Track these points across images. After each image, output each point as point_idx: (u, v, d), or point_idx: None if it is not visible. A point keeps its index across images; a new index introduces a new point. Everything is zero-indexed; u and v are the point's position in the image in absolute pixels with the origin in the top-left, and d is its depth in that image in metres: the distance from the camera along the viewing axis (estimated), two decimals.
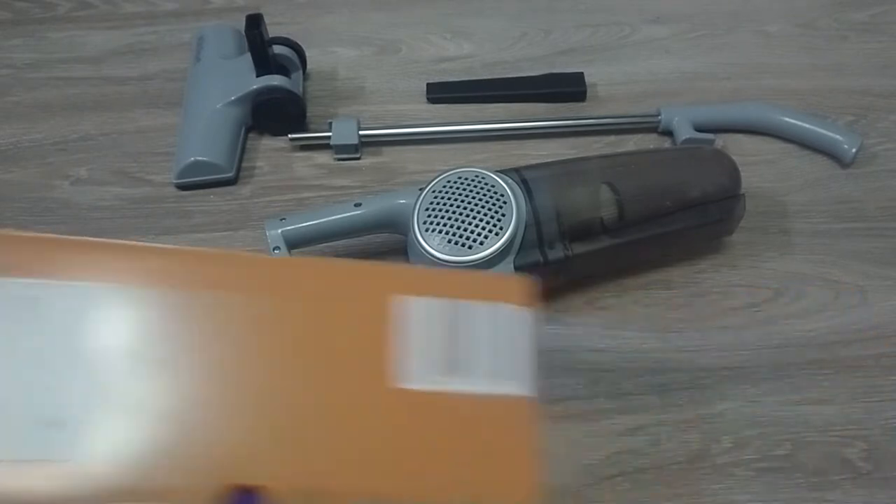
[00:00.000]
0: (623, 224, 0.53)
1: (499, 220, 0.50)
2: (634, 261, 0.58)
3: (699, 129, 0.64)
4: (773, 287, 0.57)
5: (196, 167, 0.62)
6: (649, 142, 0.67)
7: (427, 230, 0.50)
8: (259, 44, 0.63)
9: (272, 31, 0.65)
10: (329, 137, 0.65)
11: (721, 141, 0.66)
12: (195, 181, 0.63)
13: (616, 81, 0.72)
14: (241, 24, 0.63)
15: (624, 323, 0.55)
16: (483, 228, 0.50)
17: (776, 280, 0.57)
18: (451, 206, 0.51)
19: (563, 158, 0.58)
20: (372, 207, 0.54)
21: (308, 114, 0.68)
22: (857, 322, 0.55)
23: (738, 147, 0.66)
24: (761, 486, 0.47)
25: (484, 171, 0.52)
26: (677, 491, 0.47)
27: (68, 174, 0.65)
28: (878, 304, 0.56)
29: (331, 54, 0.75)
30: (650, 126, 0.67)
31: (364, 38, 0.77)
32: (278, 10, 0.77)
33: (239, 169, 0.65)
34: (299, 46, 0.70)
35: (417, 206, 0.51)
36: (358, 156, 0.66)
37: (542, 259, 0.51)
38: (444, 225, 0.50)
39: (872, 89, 0.70)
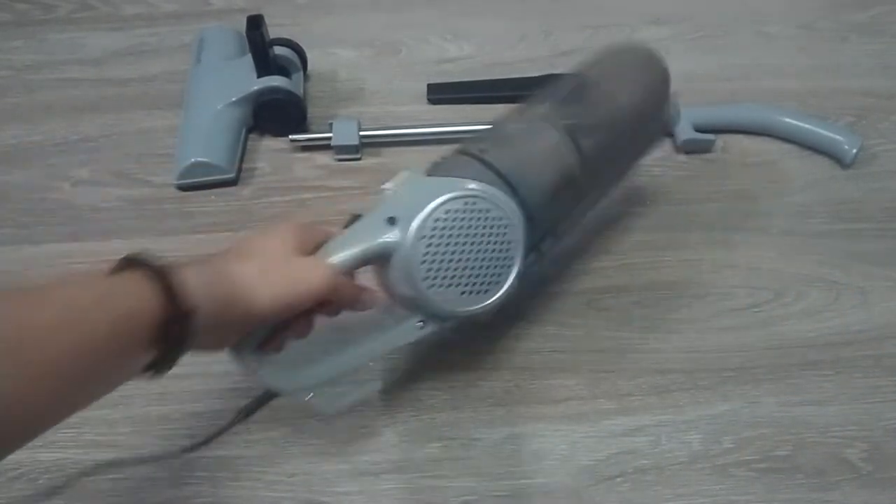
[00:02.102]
0: (587, 170, 0.48)
1: (507, 250, 0.43)
2: (596, 197, 0.52)
3: (699, 130, 0.64)
4: (774, 288, 0.57)
5: (197, 168, 0.62)
6: None
7: (435, 286, 0.42)
8: (260, 45, 0.63)
9: (273, 32, 0.65)
10: (330, 138, 0.65)
11: (721, 141, 0.66)
12: (196, 182, 0.63)
13: None
14: (242, 26, 0.63)
15: (624, 324, 0.55)
16: (497, 267, 0.43)
17: (777, 281, 0.57)
18: (454, 252, 0.42)
19: (509, 121, 0.49)
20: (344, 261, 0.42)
21: (308, 115, 0.68)
22: (857, 323, 0.55)
23: (738, 148, 0.66)
24: (761, 486, 0.47)
25: (469, 195, 0.42)
26: (677, 491, 0.47)
27: (69, 175, 0.65)
28: (879, 305, 0.56)
29: (331, 55, 0.75)
30: None
31: (364, 39, 0.77)
32: (279, 12, 0.77)
33: (240, 170, 0.65)
34: (300, 48, 0.70)
35: (409, 258, 0.41)
36: (358, 156, 0.66)
37: (537, 255, 0.48)
38: (454, 277, 0.42)
39: (872, 90, 0.70)
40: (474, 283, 0.43)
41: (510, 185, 0.44)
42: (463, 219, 0.41)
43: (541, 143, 0.47)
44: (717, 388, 0.51)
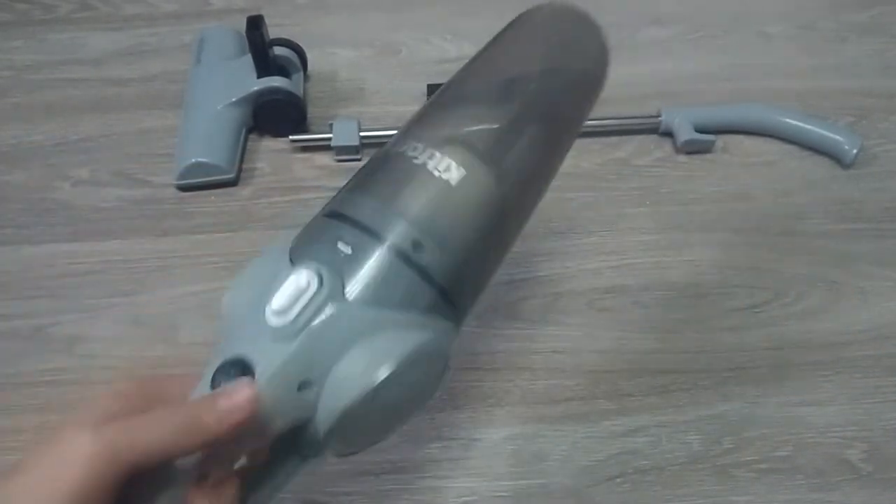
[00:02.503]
0: (515, 213, 0.36)
1: (439, 381, 0.33)
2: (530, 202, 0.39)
3: (700, 130, 0.64)
4: (774, 288, 0.57)
5: (197, 168, 0.62)
6: (649, 142, 0.67)
7: (352, 445, 0.33)
8: (260, 45, 0.63)
9: (273, 32, 0.65)
10: (330, 139, 0.65)
11: (721, 141, 0.66)
12: (196, 182, 0.63)
13: (617, 83, 0.71)
14: (242, 26, 0.63)
15: (624, 324, 0.55)
16: (422, 398, 0.33)
17: (777, 281, 0.57)
18: (385, 412, 0.31)
19: (412, 160, 0.34)
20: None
21: (308, 115, 0.68)
22: (857, 323, 0.55)
23: (738, 148, 0.66)
24: (762, 487, 0.47)
25: (418, 354, 0.30)
26: (677, 492, 0.47)
27: (69, 175, 0.65)
28: (879, 305, 0.56)
29: (331, 56, 0.75)
30: (651, 127, 0.67)
31: (364, 39, 0.77)
32: (279, 12, 0.77)
33: (239, 170, 0.65)
34: (300, 48, 0.70)
35: (328, 431, 0.30)
36: (359, 157, 0.66)
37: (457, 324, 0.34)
38: (377, 430, 0.33)
39: (873, 90, 0.70)
40: (398, 424, 0.33)
41: (452, 303, 0.33)
42: (404, 381, 0.30)
43: (473, 209, 0.33)
44: (717, 388, 0.51)
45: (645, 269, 0.58)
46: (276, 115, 0.66)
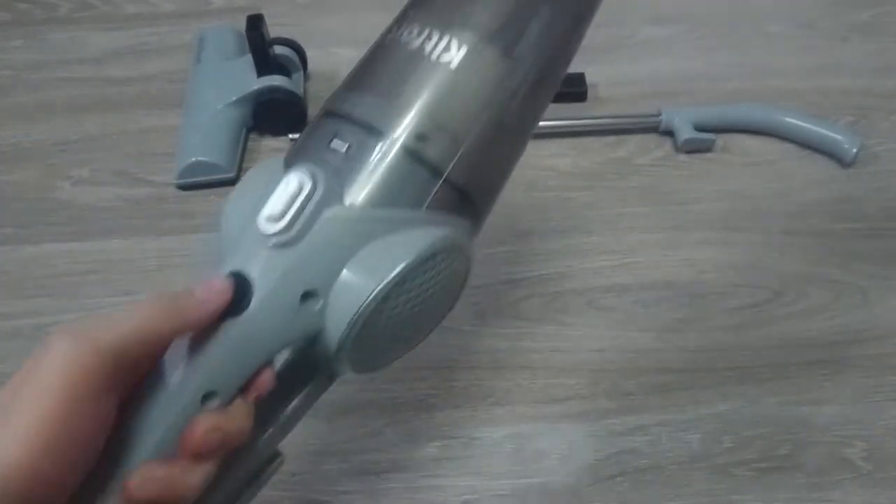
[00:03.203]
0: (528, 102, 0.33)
1: (456, 291, 0.32)
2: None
3: (700, 130, 0.65)
4: (774, 287, 0.57)
5: (197, 167, 0.62)
6: (650, 142, 0.67)
7: (362, 360, 0.31)
8: (260, 44, 0.63)
9: (273, 31, 0.66)
10: None
11: (721, 141, 0.66)
12: (196, 181, 0.63)
13: (617, 82, 0.72)
14: (242, 25, 0.63)
15: (624, 323, 0.55)
16: (440, 311, 0.33)
17: (777, 280, 0.57)
18: (399, 325, 0.30)
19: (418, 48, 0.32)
20: None
21: (309, 114, 0.68)
22: (857, 322, 0.55)
23: (739, 147, 0.66)
24: (762, 486, 0.47)
25: (430, 255, 0.29)
26: (677, 491, 0.47)
27: (69, 175, 0.65)
28: (879, 305, 0.56)
29: (332, 55, 0.75)
30: (651, 126, 0.67)
31: (364, 38, 0.76)
32: (279, 11, 0.77)
33: (240, 169, 0.65)
34: (300, 47, 0.70)
35: (337, 348, 0.29)
36: None
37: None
38: (389, 346, 0.31)
39: (873, 90, 0.70)
40: (411, 339, 0.32)
41: (467, 199, 0.31)
42: (420, 285, 0.29)
43: (479, 93, 0.31)
44: (717, 388, 0.51)
45: (645, 269, 0.58)
46: (277, 114, 0.66)
